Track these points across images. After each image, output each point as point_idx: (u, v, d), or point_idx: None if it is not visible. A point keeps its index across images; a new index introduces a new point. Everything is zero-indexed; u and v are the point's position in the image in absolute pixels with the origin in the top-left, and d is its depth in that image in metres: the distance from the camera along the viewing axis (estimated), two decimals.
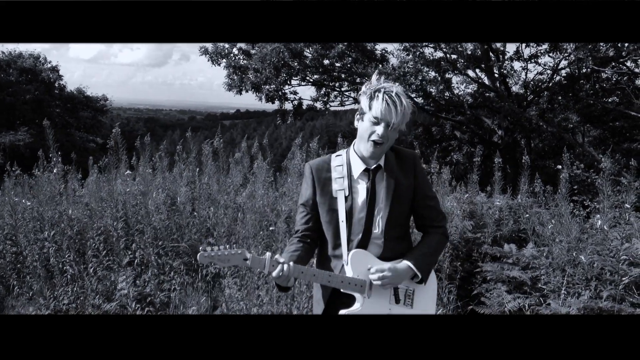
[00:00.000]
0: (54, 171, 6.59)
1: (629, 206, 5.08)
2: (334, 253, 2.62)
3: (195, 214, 6.23)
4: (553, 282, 4.49)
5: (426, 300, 2.66)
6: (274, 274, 2.42)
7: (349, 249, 2.56)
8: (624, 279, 4.17)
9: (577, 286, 4.40)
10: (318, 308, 2.72)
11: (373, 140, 2.46)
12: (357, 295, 2.53)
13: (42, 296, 5.62)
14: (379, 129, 2.43)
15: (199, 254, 2.38)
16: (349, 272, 2.53)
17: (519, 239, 5.48)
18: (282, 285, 2.50)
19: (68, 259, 5.78)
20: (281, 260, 2.43)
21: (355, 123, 2.57)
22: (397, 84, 2.53)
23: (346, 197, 2.56)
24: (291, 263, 2.43)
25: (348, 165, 2.61)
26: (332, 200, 2.59)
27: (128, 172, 6.69)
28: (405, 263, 2.53)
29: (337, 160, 2.64)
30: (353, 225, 2.57)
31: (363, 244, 2.57)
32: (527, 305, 4.45)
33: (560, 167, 6.15)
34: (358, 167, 2.59)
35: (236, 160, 7.26)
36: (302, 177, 6.15)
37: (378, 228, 2.57)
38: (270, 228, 5.52)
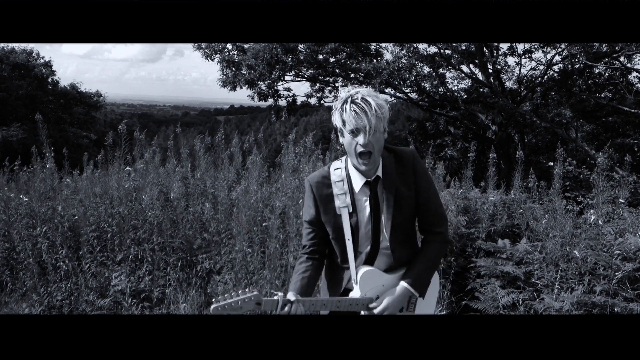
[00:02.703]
0: (47, 166, 6.57)
1: (622, 201, 5.11)
2: (343, 265, 2.62)
3: (190, 209, 6.22)
4: (547, 277, 4.51)
5: (427, 304, 2.68)
6: (284, 313, 2.39)
7: (357, 265, 2.56)
8: (617, 273, 4.19)
9: (571, 281, 4.42)
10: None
11: (359, 153, 2.42)
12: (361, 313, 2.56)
13: (35, 292, 5.60)
14: (360, 139, 2.38)
15: (211, 307, 2.33)
16: (357, 292, 2.53)
17: (512, 234, 5.49)
18: None
19: (61, 255, 5.76)
20: (292, 299, 2.40)
21: (340, 140, 2.52)
22: (363, 86, 2.52)
23: (350, 214, 2.54)
24: (301, 300, 2.41)
25: (348, 180, 2.57)
26: (337, 217, 2.56)
27: (128, 168, 6.67)
28: (402, 285, 2.52)
29: (337, 174, 2.59)
30: (360, 239, 2.56)
31: (372, 256, 2.58)
32: (520, 300, 4.47)
33: (552, 164, 6.17)
34: (358, 181, 2.55)
35: (230, 155, 7.25)
36: (295, 172, 6.18)
37: (384, 239, 2.56)
38: (264, 224, 5.52)
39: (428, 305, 2.70)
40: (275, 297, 2.40)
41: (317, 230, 2.62)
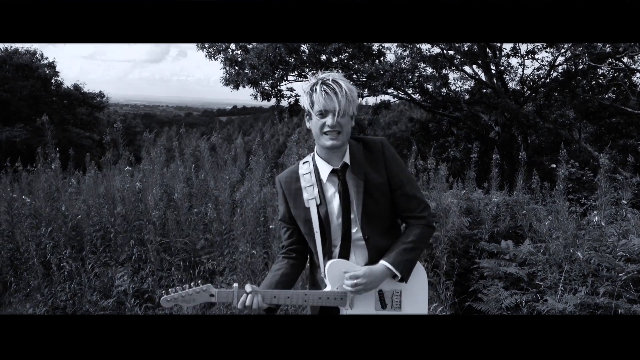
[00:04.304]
0: (52, 167, 6.59)
1: (625, 202, 5.10)
2: (319, 263, 2.50)
3: (194, 210, 6.23)
4: (550, 278, 4.50)
5: (416, 300, 2.51)
6: (239, 305, 2.35)
7: (329, 259, 2.45)
8: (620, 275, 4.18)
9: (574, 282, 4.41)
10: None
11: (326, 132, 2.34)
12: (340, 307, 2.43)
13: (39, 293, 5.62)
14: (328, 120, 2.32)
15: (161, 299, 2.31)
16: (328, 286, 2.42)
17: (516, 235, 5.49)
18: (257, 313, 2.39)
19: (65, 255, 5.78)
20: (248, 289, 2.36)
21: (307, 125, 2.47)
22: (334, 70, 2.45)
23: (319, 205, 2.45)
24: (260, 293, 2.36)
25: (315, 171, 2.49)
26: (306, 211, 2.48)
27: (128, 167, 6.69)
28: (381, 263, 2.39)
29: (304, 167, 2.52)
30: (333, 232, 2.46)
31: (345, 251, 2.46)
32: (524, 301, 4.46)
33: (554, 165, 6.16)
34: (325, 170, 2.47)
35: (233, 156, 7.27)
36: None
37: (358, 229, 2.44)
38: (270, 226, 5.53)
39: (419, 304, 2.52)
40: (231, 289, 2.37)
41: (291, 228, 2.58)
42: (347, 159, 2.45)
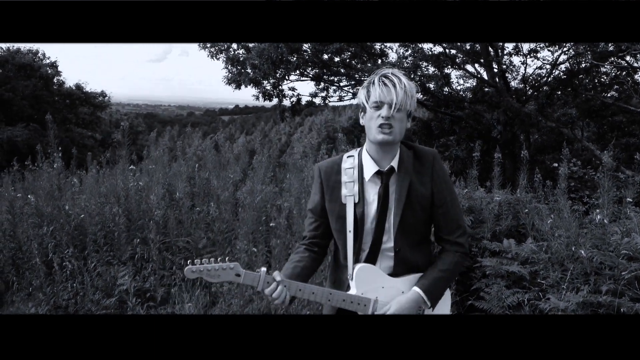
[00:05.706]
0: (55, 166, 6.60)
1: (630, 200, 5.09)
2: (346, 263, 2.41)
3: (197, 209, 6.24)
4: (552, 277, 4.49)
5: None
6: (267, 292, 2.27)
7: (356, 262, 2.38)
8: (622, 273, 4.17)
9: (576, 281, 4.40)
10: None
11: (379, 124, 2.25)
12: (360, 314, 2.37)
13: (41, 292, 5.63)
14: (383, 111, 2.22)
15: (186, 268, 2.25)
16: (353, 289, 2.36)
17: (518, 234, 5.48)
18: (279, 305, 2.32)
19: (67, 254, 5.79)
20: (278, 278, 2.27)
21: (361, 121, 2.37)
22: (395, 68, 2.39)
23: (356, 204, 2.35)
24: (287, 282, 2.28)
25: (360, 168, 2.39)
26: (342, 207, 2.38)
27: (131, 167, 6.71)
28: (415, 290, 2.34)
29: (348, 161, 2.42)
30: (365, 235, 2.37)
31: (372, 257, 2.38)
32: (526, 300, 4.45)
33: (557, 164, 6.15)
34: (370, 169, 2.36)
35: (235, 155, 7.28)
36: (300, 172, 6.19)
37: (389, 238, 2.36)
38: (271, 224, 5.53)
39: None
40: (258, 272, 2.29)
41: (319, 220, 2.48)
42: (395, 163, 2.36)
